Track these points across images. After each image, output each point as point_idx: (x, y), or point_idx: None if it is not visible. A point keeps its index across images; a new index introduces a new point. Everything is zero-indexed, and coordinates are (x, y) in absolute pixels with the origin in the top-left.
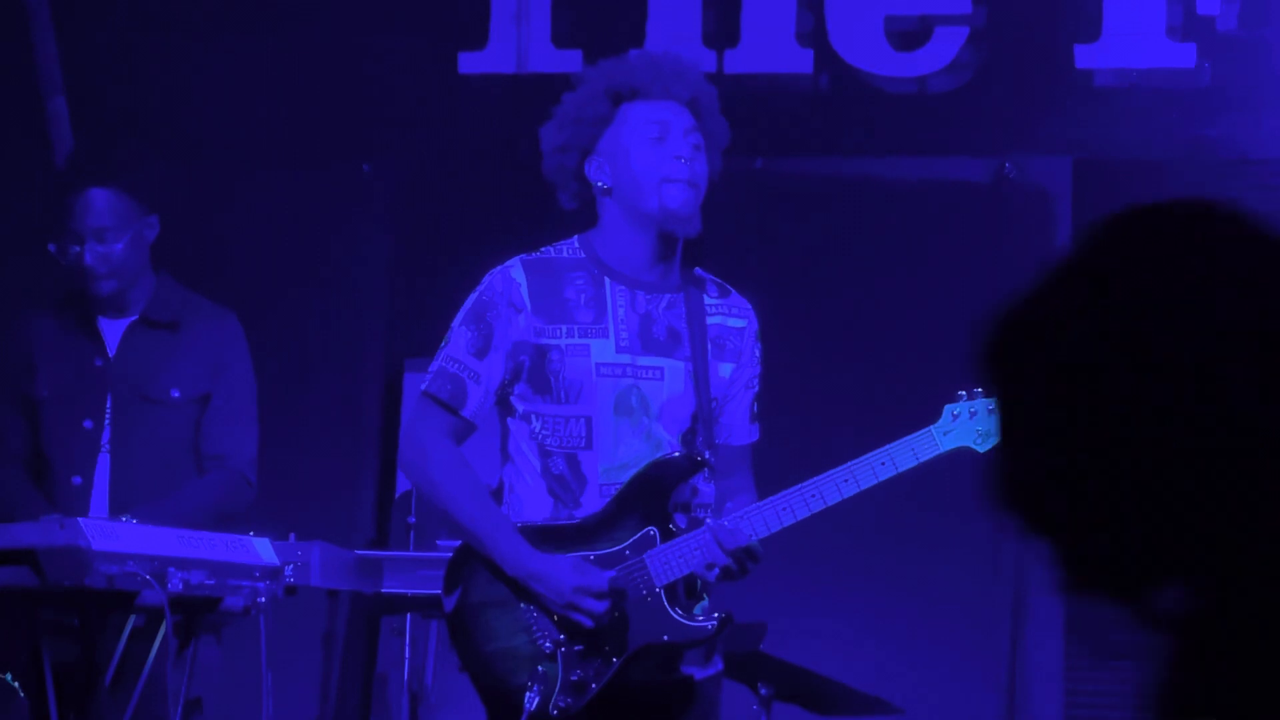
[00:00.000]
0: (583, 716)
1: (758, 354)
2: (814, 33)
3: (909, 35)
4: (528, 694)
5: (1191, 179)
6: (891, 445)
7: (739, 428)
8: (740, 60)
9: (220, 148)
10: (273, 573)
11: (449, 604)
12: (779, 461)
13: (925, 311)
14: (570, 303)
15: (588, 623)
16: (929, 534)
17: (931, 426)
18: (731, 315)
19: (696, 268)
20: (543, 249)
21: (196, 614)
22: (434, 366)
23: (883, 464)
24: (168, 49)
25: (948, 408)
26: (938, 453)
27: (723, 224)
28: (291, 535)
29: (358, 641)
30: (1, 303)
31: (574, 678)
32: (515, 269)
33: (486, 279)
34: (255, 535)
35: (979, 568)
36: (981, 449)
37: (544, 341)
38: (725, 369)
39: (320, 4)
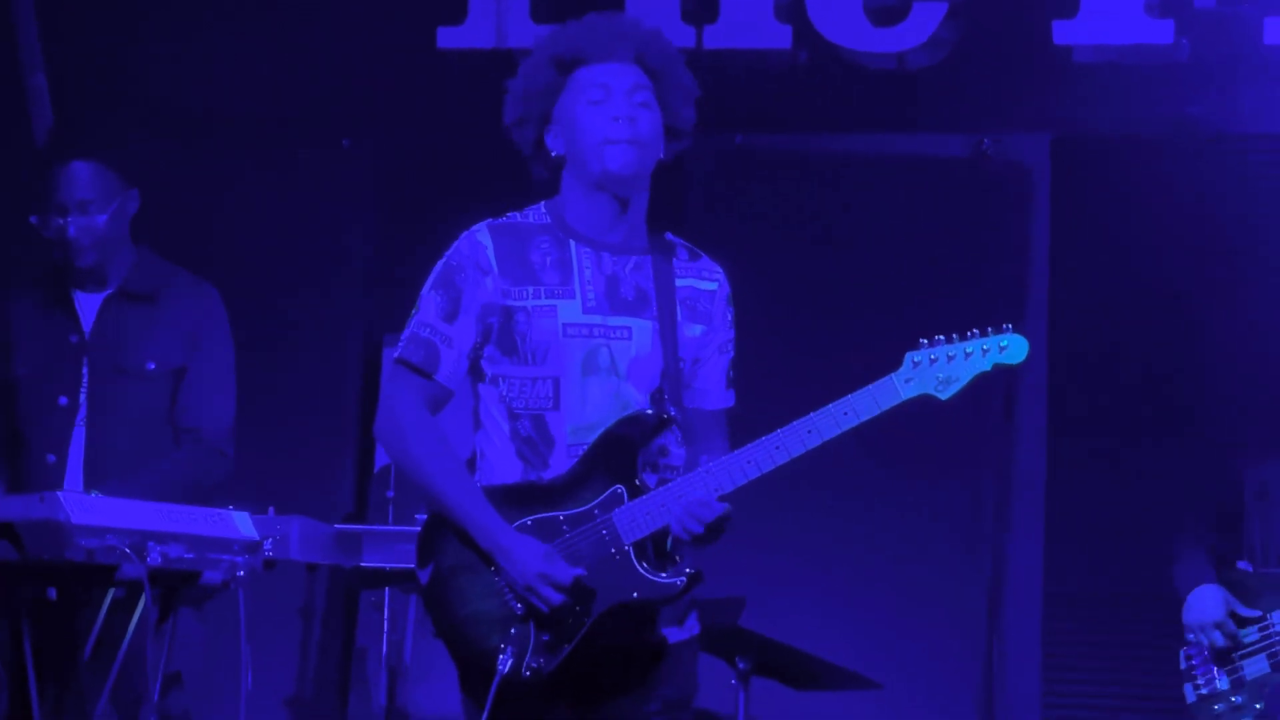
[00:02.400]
0: (556, 677)
1: (730, 318)
2: (793, 8)
3: (888, 11)
4: (500, 656)
5: (1170, 155)
6: (852, 395)
7: (713, 392)
8: (719, 36)
9: (199, 124)
10: (252, 546)
11: (422, 572)
12: (759, 433)
13: (903, 286)
14: (536, 265)
15: (543, 608)
16: (908, 511)
17: (892, 374)
18: (703, 278)
19: (667, 233)
20: (509, 214)
21: (176, 587)
22: (406, 334)
23: (845, 414)
24: (147, 27)
25: (909, 355)
26: (899, 400)
27: (701, 198)
28: (271, 509)
29: (336, 615)
30: None
31: (545, 638)
32: (481, 233)
33: (454, 244)
34: (234, 509)
35: (957, 543)
36: (943, 396)
37: (511, 303)
38: (695, 329)
39: None
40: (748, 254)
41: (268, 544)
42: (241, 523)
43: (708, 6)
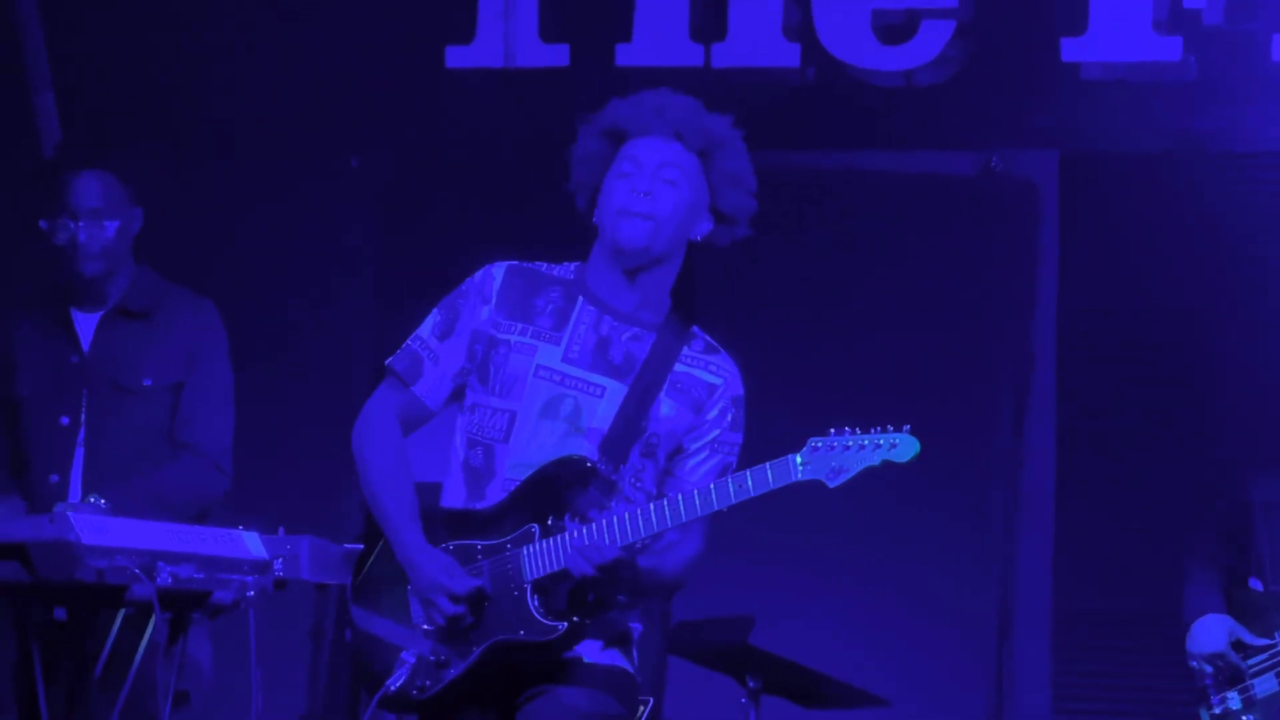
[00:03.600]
0: (442, 700)
1: (730, 418)
2: (801, 27)
3: (895, 29)
4: (397, 669)
5: (1177, 172)
6: (753, 469)
7: (695, 487)
8: (727, 54)
9: (208, 143)
10: (262, 566)
11: (352, 575)
12: (762, 448)
13: (911, 303)
14: (536, 309)
15: (439, 619)
16: (917, 529)
17: (793, 454)
18: (709, 371)
19: (695, 326)
20: (539, 262)
21: (186, 608)
22: (404, 344)
23: (739, 486)
24: (156, 45)
25: (810, 439)
26: (793, 480)
27: None
28: (280, 529)
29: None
30: None
31: (434, 659)
32: (498, 267)
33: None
34: (244, 529)
35: (967, 561)
36: (831, 484)
37: (498, 335)
38: (668, 406)
39: None
40: (755, 271)
41: (278, 564)
42: (251, 543)
43: (716, 25)
